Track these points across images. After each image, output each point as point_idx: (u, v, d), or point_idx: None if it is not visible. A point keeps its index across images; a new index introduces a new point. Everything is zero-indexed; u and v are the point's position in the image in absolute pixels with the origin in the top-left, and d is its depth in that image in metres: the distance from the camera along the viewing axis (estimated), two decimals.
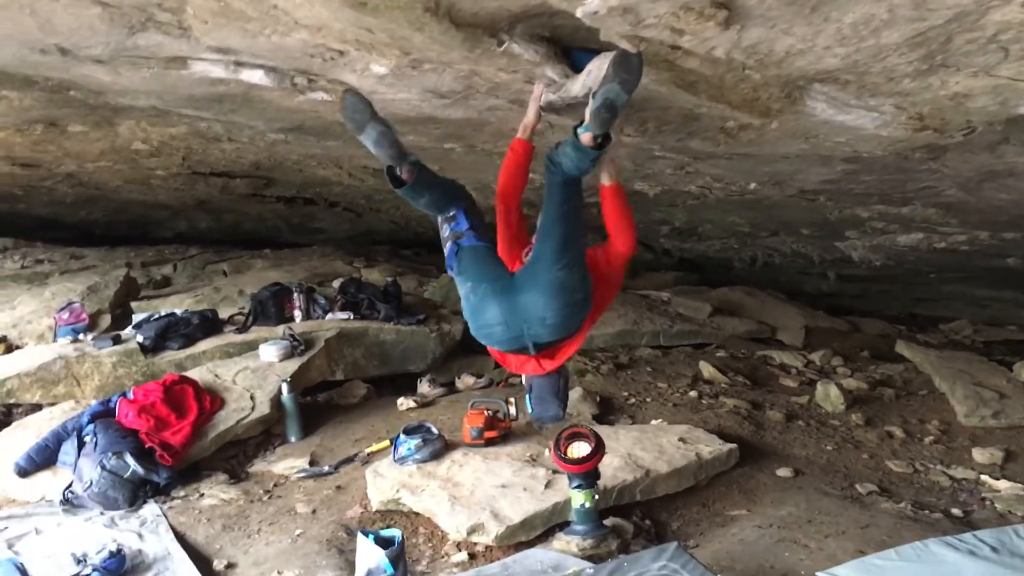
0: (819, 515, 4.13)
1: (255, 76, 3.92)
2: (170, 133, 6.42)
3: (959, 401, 5.77)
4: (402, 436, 4.61)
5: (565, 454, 3.91)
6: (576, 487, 3.91)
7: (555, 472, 4.34)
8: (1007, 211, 5.80)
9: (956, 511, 4.34)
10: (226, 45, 3.60)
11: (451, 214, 3.38)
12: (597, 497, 3.95)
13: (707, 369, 6.27)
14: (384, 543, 3.32)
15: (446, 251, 3.35)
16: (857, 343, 7.76)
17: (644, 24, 2.38)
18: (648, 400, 5.68)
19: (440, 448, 4.62)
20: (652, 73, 2.89)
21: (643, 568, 3.23)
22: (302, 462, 5.05)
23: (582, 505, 3.91)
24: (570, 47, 3.23)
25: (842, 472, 4.80)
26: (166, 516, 4.49)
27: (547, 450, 4.62)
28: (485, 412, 4.75)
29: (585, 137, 2.89)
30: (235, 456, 5.24)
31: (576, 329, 3.27)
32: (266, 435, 5.41)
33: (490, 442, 4.70)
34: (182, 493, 4.75)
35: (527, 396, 3.46)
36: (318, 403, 5.92)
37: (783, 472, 4.66)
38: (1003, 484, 4.56)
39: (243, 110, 4.72)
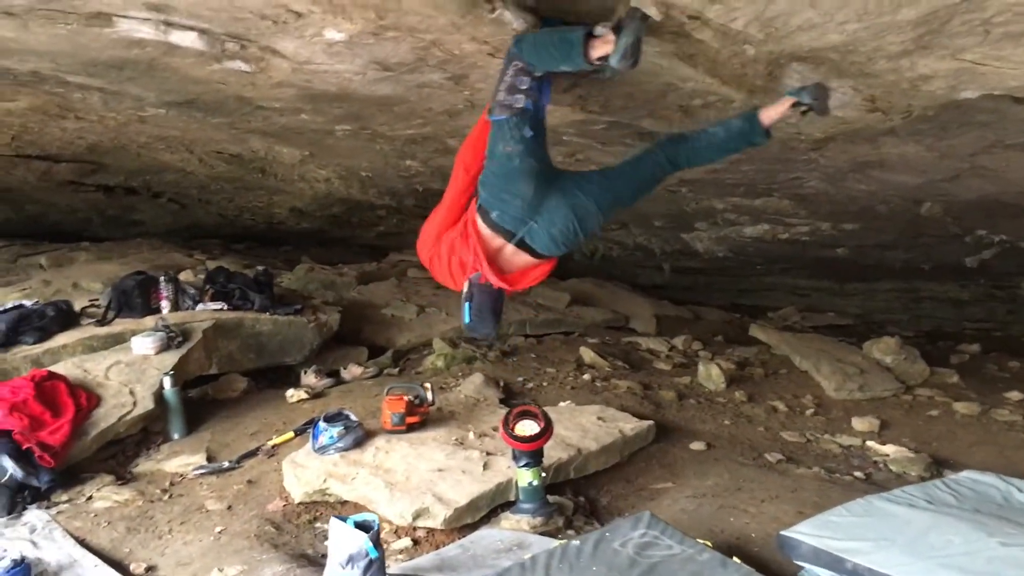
0: (745, 483, 4.33)
1: (187, 39, 3.64)
2: (7, 108, 5.86)
3: (825, 377, 6.22)
4: (322, 424, 4.42)
5: (513, 431, 3.90)
6: (524, 465, 3.90)
7: (488, 453, 4.31)
8: (858, 202, 6.31)
9: (859, 474, 4.68)
10: (164, 1, 3.34)
11: (540, 75, 3.24)
12: (544, 475, 3.96)
13: (588, 355, 6.41)
14: (361, 528, 3.18)
15: (512, 99, 3.22)
16: (706, 329, 8.19)
17: None
18: (545, 384, 5.75)
19: (362, 436, 4.47)
20: (657, 45, 2.95)
21: (625, 537, 3.28)
22: (197, 459, 4.73)
23: (530, 483, 3.91)
24: (546, 18, 3.25)
25: (747, 444, 5.06)
26: (58, 522, 4.10)
27: (471, 433, 4.59)
28: (404, 398, 4.63)
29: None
30: (114, 456, 4.83)
31: (551, 256, 3.55)
32: (144, 433, 5.03)
33: (411, 427, 4.59)
34: (65, 497, 4.33)
35: (465, 306, 3.50)
36: (192, 399, 5.56)
37: (696, 446, 4.86)
38: (890, 448, 4.96)
39: (142, 79, 4.37)
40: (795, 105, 3.18)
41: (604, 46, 2.88)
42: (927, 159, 4.87)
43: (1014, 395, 6.14)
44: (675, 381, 6.13)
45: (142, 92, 4.68)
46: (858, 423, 5.45)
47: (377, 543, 3.15)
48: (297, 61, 3.91)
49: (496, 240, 3.51)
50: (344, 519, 3.21)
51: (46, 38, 3.66)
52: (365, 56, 3.72)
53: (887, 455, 4.90)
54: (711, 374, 6.09)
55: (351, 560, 3.10)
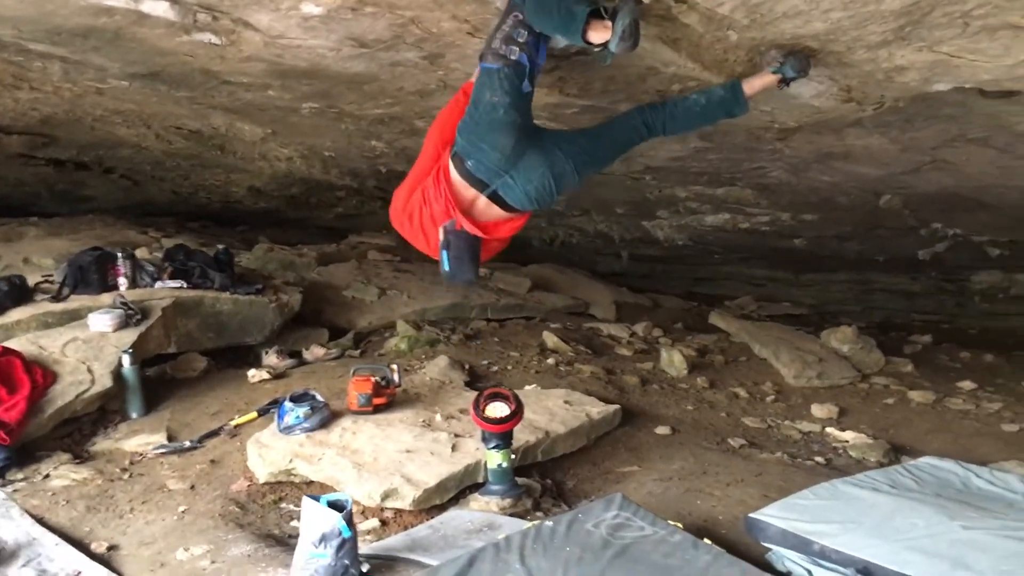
0: (711, 467, 4.37)
1: (158, 8, 3.58)
2: None
3: (784, 364, 6.31)
4: (288, 404, 4.37)
5: (484, 413, 3.89)
6: (493, 447, 3.90)
7: (457, 435, 4.31)
8: (819, 193, 6.40)
9: (819, 459, 4.76)
10: None
11: (538, 33, 3.22)
12: (514, 457, 3.97)
13: (551, 339, 6.43)
14: (333, 508, 3.15)
15: (506, 49, 3.20)
16: (666, 316, 8.25)
17: None
18: (509, 368, 5.75)
19: (328, 416, 4.43)
20: (642, 28, 2.95)
21: (598, 518, 3.29)
22: (158, 438, 4.65)
23: (499, 465, 3.90)
24: None
25: (710, 429, 5.11)
26: (14, 500, 4.01)
27: (438, 415, 4.57)
28: (371, 379, 4.60)
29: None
30: (70, 434, 4.73)
31: (524, 211, 3.61)
32: (101, 411, 4.93)
33: (378, 409, 4.56)
34: (20, 476, 4.24)
35: (443, 253, 3.53)
36: (150, 377, 5.45)
37: (661, 430, 4.89)
38: (849, 434, 5.04)
39: (107, 48, 4.27)
40: (781, 81, 3.24)
41: (603, 32, 2.91)
42: (890, 151, 4.95)
43: (966, 384, 6.29)
44: (638, 367, 6.16)
45: (106, 63, 4.57)
46: (817, 410, 5.54)
47: (350, 522, 3.13)
48: (270, 35, 3.85)
49: (468, 191, 3.52)
50: (317, 498, 3.18)
51: (12, 2, 3.56)
52: (341, 31, 3.68)
53: (846, 441, 4.99)
54: (673, 360, 6.13)
55: (324, 539, 3.08)
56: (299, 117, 5.91)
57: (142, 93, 5.57)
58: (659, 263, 10.32)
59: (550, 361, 5.94)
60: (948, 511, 3.37)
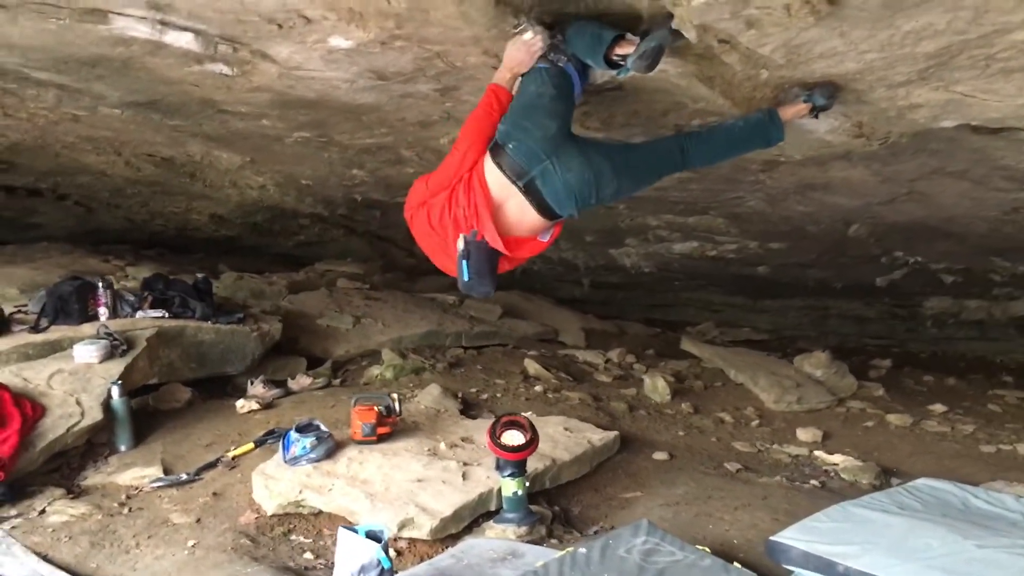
0: (715, 491, 4.45)
1: (181, 39, 3.56)
2: None
3: (763, 390, 6.45)
4: (294, 434, 4.34)
5: (500, 441, 3.93)
6: (509, 475, 3.94)
7: (465, 464, 4.33)
8: (791, 222, 6.58)
9: (814, 482, 4.87)
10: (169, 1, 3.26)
11: (571, 58, 3.35)
12: (528, 484, 4.01)
13: (532, 366, 6.47)
14: (371, 538, 3.16)
15: (554, 56, 3.31)
16: (635, 343, 8.34)
17: (749, 9, 2.53)
18: (498, 395, 5.78)
19: (333, 446, 4.41)
20: (680, 65, 3.06)
21: (628, 544, 3.35)
22: (153, 471, 4.57)
23: (515, 493, 3.94)
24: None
25: (704, 454, 5.20)
26: (14, 537, 3.90)
27: (442, 444, 4.59)
28: (375, 408, 4.60)
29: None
30: (58, 469, 4.63)
31: (558, 215, 3.55)
32: (89, 445, 4.83)
33: (382, 438, 4.56)
34: (14, 512, 4.13)
35: (463, 263, 3.45)
36: (134, 409, 5.35)
37: (659, 456, 4.97)
38: (838, 457, 5.17)
39: (113, 77, 4.23)
40: (812, 110, 3.37)
41: (627, 46, 3.03)
42: (870, 183, 5.13)
43: (938, 407, 6.49)
44: (622, 393, 6.24)
45: (106, 91, 4.52)
46: (802, 433, 5.67)
47: (387, 553, 3.14)
48: (287, 66, 3.86)
49: (503, 191, 3.43)
50: (355, 529, 3.18)
51: (32, 32, 3.51)
52: (363, 64, 3.71)
53: (836, 464, 5.11)
54: (657, 386, 6.23)
55: (363, 570, 3.08)
56: (282, 146, 5.89)
57: (123, 120, 5.50)
58: (620, 290, 10.45)
59: (538, 388, 5.99)
60: (959, 531, 3.51)
